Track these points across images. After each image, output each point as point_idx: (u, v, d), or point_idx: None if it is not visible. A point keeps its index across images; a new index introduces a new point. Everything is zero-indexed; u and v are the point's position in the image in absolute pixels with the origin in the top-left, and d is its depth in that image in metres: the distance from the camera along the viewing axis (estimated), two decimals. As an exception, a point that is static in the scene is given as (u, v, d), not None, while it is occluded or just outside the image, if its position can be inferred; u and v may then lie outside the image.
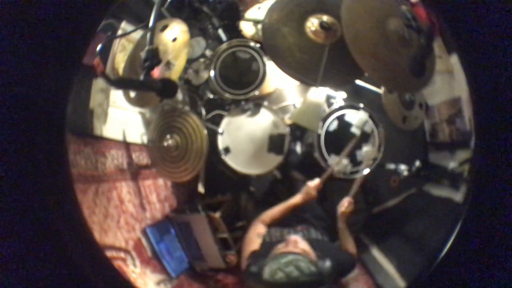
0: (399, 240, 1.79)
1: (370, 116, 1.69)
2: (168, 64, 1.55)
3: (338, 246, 1.56)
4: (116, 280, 1.49)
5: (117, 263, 1.56)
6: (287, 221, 1.57)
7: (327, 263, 1.22)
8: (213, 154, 1.68)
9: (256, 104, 1.74)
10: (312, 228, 1.55)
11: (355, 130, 1.68)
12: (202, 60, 1.86)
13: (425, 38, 1.46)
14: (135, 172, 1.82)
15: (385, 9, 1.53)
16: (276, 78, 1.80)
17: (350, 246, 1.57)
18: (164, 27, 1.63)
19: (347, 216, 1.60)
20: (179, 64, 1.54)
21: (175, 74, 1.53)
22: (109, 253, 1.55)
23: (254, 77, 1.75)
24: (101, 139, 1.74)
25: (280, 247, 1.31)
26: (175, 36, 1.60)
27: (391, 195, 1.79)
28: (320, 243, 1.45)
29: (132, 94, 1.71)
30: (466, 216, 1.48)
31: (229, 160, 1.68)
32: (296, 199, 1.59)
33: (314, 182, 1.60)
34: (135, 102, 1.71)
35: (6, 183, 1.35)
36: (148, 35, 1.38)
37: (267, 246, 1.42)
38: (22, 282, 1.35)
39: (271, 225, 1.55)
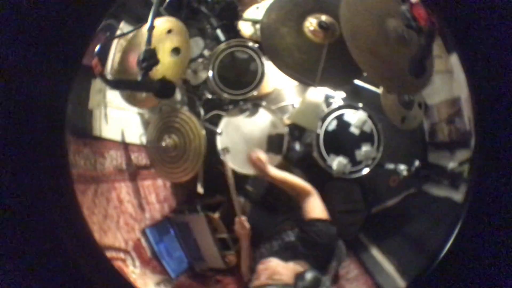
0: (399, 240, 1.79)
1: (369, 116, 1.68)
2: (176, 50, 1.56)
3: (308, 230, 1.43)
4: (116, 281, 1.50)
5: (117, 264, 1.57)
6: (266, 233, 1.55)
7: (308, 276, 1.19)
8: (212, 154, 1.68)
9: (255, 104, 1.73)
10: (283, 231, 1.48)
11: (354, 129, 1.68)
12: (200, 60, 1.85)
13: (425, 38, 1.45)
14: (134, 173, 1.82)
15: (385, 8, 1.52)
16: (274, 78, 1.79)
17: (310, 205, 1.47)
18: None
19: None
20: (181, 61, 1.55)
21: (176, 74, 1.53)
22: (109, 254, 1.56)
23: (252, 77, 1.74)
24: (100, 139, 1.74)
25: (254, 281, 1.28)
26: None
27: (390, 195, 1.79)
28: (294, 244, 1.40)
29: (132, 94, 1.72)
30: (466, 216, 1.48)
31: (228, 160, 1.68)
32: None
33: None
34: (134, 102, 1.72)
35: (6, 183, 1.35)
36: (146, 35, 1.38)
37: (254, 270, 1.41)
38: (22, 282, 1.35)
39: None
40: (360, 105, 1.69)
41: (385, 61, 1.45)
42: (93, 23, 1.55)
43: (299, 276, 1.20)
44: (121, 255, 1.64)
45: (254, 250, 1.52)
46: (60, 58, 1.43)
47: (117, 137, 1.79)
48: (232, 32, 1.89)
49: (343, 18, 1.47)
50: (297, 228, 1.45)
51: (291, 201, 1.72)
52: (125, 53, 1.73)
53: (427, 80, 1.57)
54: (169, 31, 1.61)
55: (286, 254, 1.33)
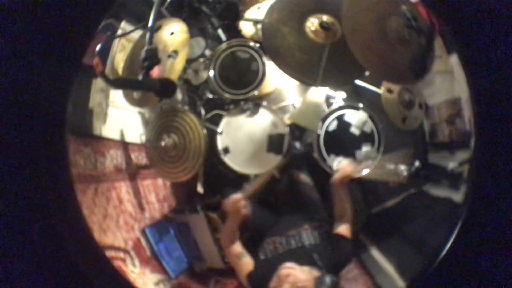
0: (399, 240, 1.79)
1: (370, 116, 1.68)
2: (174, 53, 1.56)
3: (331, 242, 1.47)
4: (115, 280, 1.50)
5: (117, 263, 1.57)
6: (278, 227, 1.55)
7: (327, 280, 1.22)
8: (213, 154, 1.68)
9: (256, 104, 1.73)
10: (303, 231, 1.50)
11: (354, 130, 1.68)
12: (201, 60, 1.86)
13: (425, 38, 1.46)
14: (134, 172, 1.82)
15: (386, 8, 1.53)
16: (275, 78, 1.79)
17: (344, 226, 1.48)
18: (159, 27, 1.65)
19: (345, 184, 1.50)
20: (179, 61, 1.54)
21: (174, 73, 1.53)
22: (109, 253, 1.55)
23: (253, 77, 1.75)
24: (101, 139, 1.75)
25: (274, 285, 1.28)
26: (172, 30, 1.62)
27: (390, 195, 1.79)
28: (313, 249, 1.42)
29: (133, 94, 1.71)
30: (466, 216, 1.48)
31: (228, 160, 1.68)
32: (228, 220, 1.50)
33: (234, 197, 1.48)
34: (134, 102, 1.72)
35: (6, 183, 1.35)
36: (147, 35, 1.38)
37: (264, 263, 1.43)
38: (22, 281, 1.35)
39: (240, 238, 1.50)
40: (361, 105, 1.70)
41: (383, 57, 1.46)
42: (93, 23, 1.55)
43: (319, 280, 1.23)
44: (121, 254, 1.63)
45: (264, 241, 1.52)
46: (60, 58, 1.43)
47: (118, 137, 1.80)
48: (234, 32, 1.89)
49: (345, 15, 1.48)
50: (317, 231, 1.50)
51: (290, 201, 1.74)
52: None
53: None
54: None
55: (303, 258, 1.36)
